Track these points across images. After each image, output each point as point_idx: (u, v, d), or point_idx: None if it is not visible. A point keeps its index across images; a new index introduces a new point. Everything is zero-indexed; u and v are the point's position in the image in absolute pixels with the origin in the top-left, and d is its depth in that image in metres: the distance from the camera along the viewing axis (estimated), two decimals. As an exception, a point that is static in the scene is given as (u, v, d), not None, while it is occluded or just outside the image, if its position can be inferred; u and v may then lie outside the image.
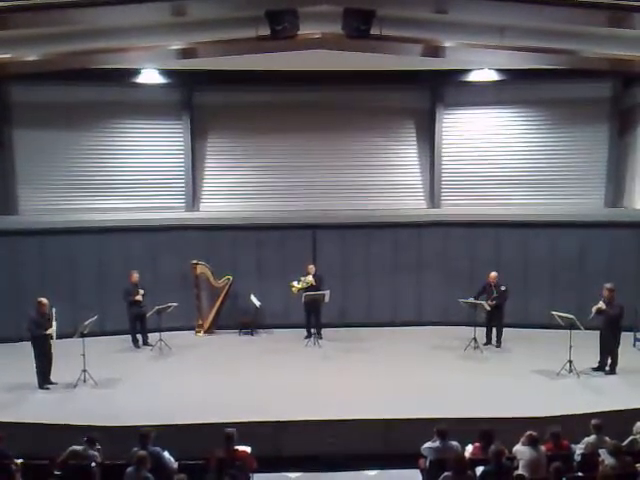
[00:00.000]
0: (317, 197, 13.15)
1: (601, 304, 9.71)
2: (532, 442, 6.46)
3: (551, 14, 8.57)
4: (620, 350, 9.96)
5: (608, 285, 9.80)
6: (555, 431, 6.78)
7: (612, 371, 9.83)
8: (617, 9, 8.34)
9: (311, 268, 11.85)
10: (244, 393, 9.16)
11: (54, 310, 9.45)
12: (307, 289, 11.61)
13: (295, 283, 11.75)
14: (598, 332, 9.89)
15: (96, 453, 6.68)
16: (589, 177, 13.11)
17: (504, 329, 11.34)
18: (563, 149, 13.05)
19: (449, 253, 12.71)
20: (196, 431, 7.94)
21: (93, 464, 6.54)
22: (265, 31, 9.10)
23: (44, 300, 9.39)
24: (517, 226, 12.56)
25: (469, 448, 6.85)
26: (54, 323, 9.26)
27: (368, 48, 9.88)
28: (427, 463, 6.72)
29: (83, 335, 9.58)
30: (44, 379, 9.45)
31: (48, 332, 9.23)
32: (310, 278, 11.71)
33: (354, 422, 8.23)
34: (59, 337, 10.05)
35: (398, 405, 8.64)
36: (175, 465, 6.64)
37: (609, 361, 9.90)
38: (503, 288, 11.11)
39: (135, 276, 11.32)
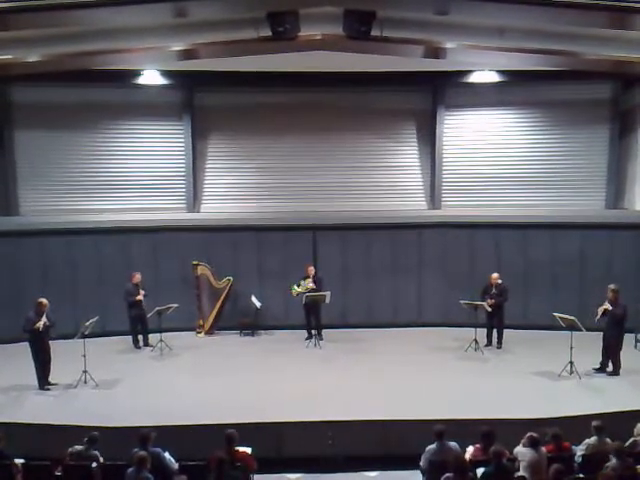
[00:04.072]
0: (318, 198, 13.16)
1: (607, 305, 9.72)
2: (533, 443, 6.46)
3: (551, 15, 8.57)
4: (621, 351, 9.98)
5: (612, 286, 9.81)
6: (556, 432, 6.78)
7: (616, 372, 9.83)
8: (617, 10, 8.35)
9: (311, 269, 11.84)
10: (244, 394, 9.16)
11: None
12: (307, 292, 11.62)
13: (295, 287, 11.74)
14: (600, 333, 9.90)
15: (97, 453, 6.69)
16: (589, 178, 13.12)
17: (505, 330, 11.34)
18: (563, 150, 13.06)
19: (450, 254, 12.71)
20: (197, 432, 7.95)
21: (94, 464, 6.55)
22: (266, 32, 9.10)
23: (44, 301, 9.39)
24: (518, 227, 12.56)
25: (470, 449, 6.85)
26: (43, 317, 9.26)
27: (369, 49, 9.88)
28: (426, 464, 6.71)
29: (84, 336, 9.59)
30: (44, 380, 9.45)
31: (36, 326, 9.21)
32: (311, 284, 11.69)
33: (354, 423, 8.23)
34: (60, 338, 10.13)
35: (398, 406, 8.64)
36: (175, 466, 6.64)
37: (611, 362, 9.90)
38: (499, 281, 11.11)
39: (137, 277, 11.31)
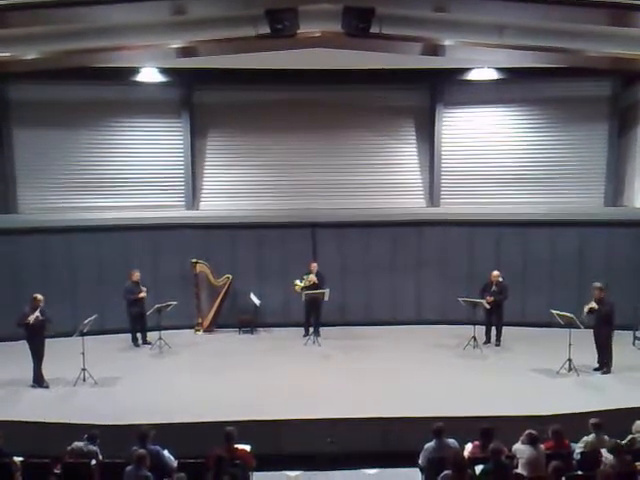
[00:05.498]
0: (317, 196, 13.15)
1: (593, 303, 9.73)
2: (532, 441, 6.47)
3: (551, 13, 8.57)
4: (618, 348, 10.02)
5: (597, 284, 9.84)
6: (557, 429, 6.78)
7: (608, 370, 9.84)
8: (617, 7, 8.33)
9: (314, 266, 11.86)
10: (243, 391, 9.17)
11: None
12: (308, 287, 11.63)
13: (298, 281, 11.75)
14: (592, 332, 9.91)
15: (97, 448, 6.70)
16: (589, 176, 13.11)
17: (504, 328, 11.35)
18: (563, 148, 13.05)
19: (448, 252, 12.71)
20: (195, 429, 7.95)
21: (93, 462, 6.56)
22: (265, 30, 9.09)
23: (39, 296, 9.39)
24: (516, 225, 12.56)
25: (468, 447, 6.86)
26: (36, 312, 9.26)
27: (367, 47, 9.87)
28: (425, 462, 6.72)
29: (83, 334, 9.59)
30: (41, 377, 9.45)
31: (27, 320, 9.20)
32: (312, 276, 11.72)
33: (353, 421, 8.24)
34: (59, 335, 10.13)
35: (397, 404, 8.65)
36: (175, 463, 6.64)
37: (605, 360, 9.91)
38: (500, 279, 11.12)
39: (136, 274, 11.29)
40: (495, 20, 9.28)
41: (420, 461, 6.83)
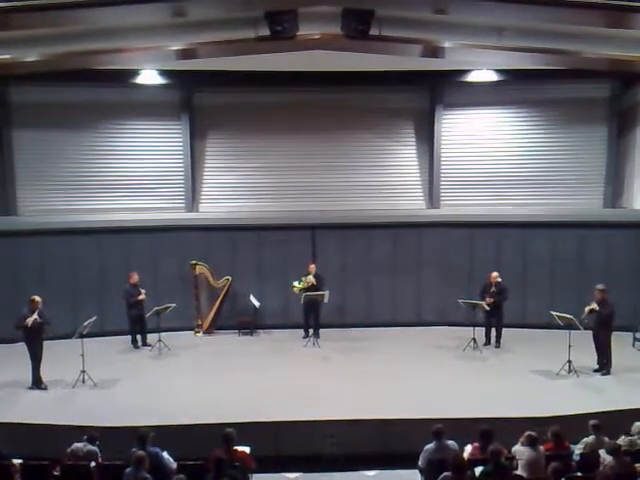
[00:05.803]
0: (316, 197, 13.15)
1: (593, 305, 9.74)
2: (531, 442, 6.47)
3: (549, 14, 8.59)
4: (618, 350, 10.02)
5: (600, 286, 9.84)
6: (556, 431, 6.77)
7: (607, 371, 9.85)
8: (615, 10, 8.35)
9: (312, 268, 11.87)
10: (243, 393, 9.16)
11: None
12: (307, 289, 11.63)
13: (296, 283, 11.76)
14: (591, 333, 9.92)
15: (96, 449, 6.70)
16: (588, 177, 13.13)
17: (503, 329, 11.34)
18: (562, 149, 13.07)
19: (448, 253, 12.72)
20: (195, 431, 7.94)
21: (93, 463, 6.55)
22: (264, 32, 9.12)
23: (37, 298, 9.39)
24: (516, 226, 12.57)
25: (468, 448, 6.85)
26: (34, 314, 9.26)
27: (367, 48, 9.89)
28: (425, 464, 6.72)
29: (82, 336, 9.58)
30: (38, 379, 9.45)
31: (25, 322, 9.19)
32: (311, 278, 11.73)
33: (353, 422, 8.23)
34: (59, 337, 10.11)
35: (397, 405, 8.65)
36: (174, 465, 6.64)
37: (604, 361, 9.92)
38: (499, 280, 11.13)
39: (135, 277, 11.30)
40: (494, 22, 9.30)
41: (420, 463, 6.82)
